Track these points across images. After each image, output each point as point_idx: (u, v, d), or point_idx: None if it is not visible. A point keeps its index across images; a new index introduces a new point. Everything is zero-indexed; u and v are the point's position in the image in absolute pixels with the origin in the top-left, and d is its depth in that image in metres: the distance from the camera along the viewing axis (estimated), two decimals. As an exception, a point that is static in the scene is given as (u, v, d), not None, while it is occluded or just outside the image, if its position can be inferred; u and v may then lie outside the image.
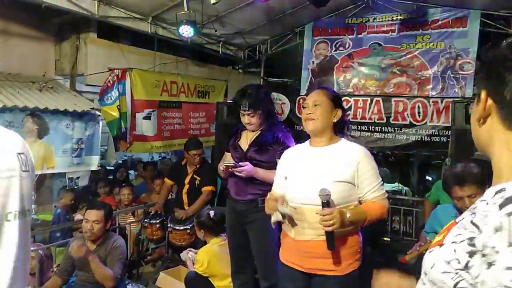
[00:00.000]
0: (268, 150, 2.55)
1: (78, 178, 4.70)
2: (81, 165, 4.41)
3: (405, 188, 6.42)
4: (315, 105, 1.97)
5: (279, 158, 2.46)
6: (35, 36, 4.75)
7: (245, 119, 2.57)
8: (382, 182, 1.96)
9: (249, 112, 2.53)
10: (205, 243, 3.26)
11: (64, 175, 4.87)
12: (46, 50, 4.93)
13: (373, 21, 5.84)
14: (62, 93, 4.64)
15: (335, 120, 1.99)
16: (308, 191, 1.87)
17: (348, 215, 1.77)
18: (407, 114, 5.42)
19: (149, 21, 4.97)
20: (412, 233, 5.20)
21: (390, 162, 7.32)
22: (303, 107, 2.06)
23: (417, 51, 5.59)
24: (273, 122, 2.64)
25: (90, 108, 4.46)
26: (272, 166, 2.53)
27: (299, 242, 1.92)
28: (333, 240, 1.77)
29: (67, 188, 4.91)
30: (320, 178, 1.87)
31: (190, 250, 3.51)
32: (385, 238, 5.45)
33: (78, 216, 4.20)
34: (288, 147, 2.49)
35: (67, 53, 4.93)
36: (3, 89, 4.00)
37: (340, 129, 2.04)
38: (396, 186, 6.45)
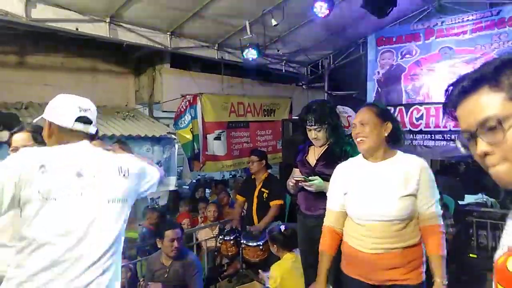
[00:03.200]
0: (336, 164, 2.55)
1: (158, 198, 5.07)
2: (161, 185, 4.77)
3: (491, 199, 5.88)
4: (362, 124, 1.96)
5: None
6: (117, 71, 5.32)
7: (311, 135, 2.61)
8: (438, 199, 1.93)
9: (315, 127, 2.56)
10: (279, 258, 3.30)
11: (146, 195, 5.28)
12: (127, 82, 5.48)
13: (441, 25, 5.57)
14: (142, 120, 5.10)
15: (386, 134, 1.95)
16: (374, 208, 1.87)
17: (443, 284, 1.79)
18: (487, 119, 5.03)
19: (215, 48, 5.30)
20: (502, 249, 4.72)
21: (471, 172, 6.78)
22: (352, 128, 2.04)
23: (494, 51, 5.20)
24: (339, 136, 2.64)
25: (167, 133, 4.84)
26: (341, 180, 2.54)
27: (370, 255, 1.90)
28: None
29: (149, 207, 5.32)
30: (385, 194, 1.86)
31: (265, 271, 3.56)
32: (470, 255, 5.03)
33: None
34: (356, 160, 2.49)
35: (145, 84, 5.44)
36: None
37: (394, 141, 1.99)
38: (480, 197, 5.94)
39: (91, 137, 1.57)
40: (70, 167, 1.41)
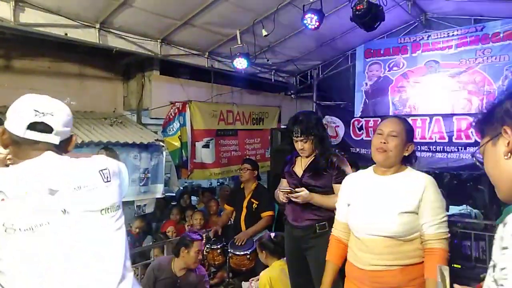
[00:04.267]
0: (323, 175, 2.58)
1: (145, 205, 5.03)
2: (148, 193, 4.75)
3: (475, 210, 5.99)
4: (392, 136, 1.87)
5: (335, 183, 2.50)
6: (105, 76, 5.28)
7: (298, 146, 2.64)
8: (445, 219, 1.83)
9: (302, 138, 2.60)
10: (266, 267, 3.30)
11: (133, 203, 5.24)
12: (115, 88, 5.44)
13: (427, 39, 5.70)
14: (130, 127, 5.06)
15: (406, 154, 1.91)
16: (372, 222, 1.84)
17: None
18: (472, 132, 5.14)
19: (205, 56, 5.31)
20: (485, 259, 4.82)
21: (456, 183, 6.90)
22: (377, 134, 1.93)
23: (478, 66, 5.33)
24: (326, 147, 2.68)
25: (155, 140, 4.81)
26: (328, 191, 2.56)
27: (369, 272, 1.84)
28: None
29: (135, 215, 5.26)
30: (384, 209, 1.82)
31: (252, 280, 3.56)
32: (454, 265, 5.09)
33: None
34: (343, 171, 2.52)
35: (133, 90, 5.40)
36: (80, 126, 4.47)
37: (408, 160, 1.96)
38: (464, 208, 6.04)
39: (61, 147, 1.26)
40: (38, 185, 1.14)
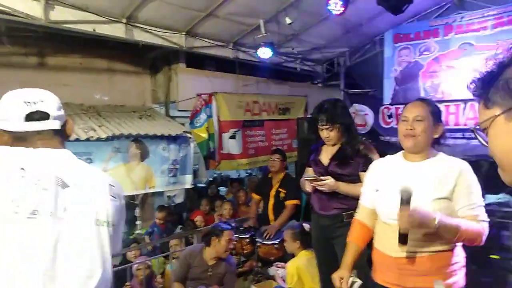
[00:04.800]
0: (349, 164, 2.53)
1: (174, 196, 5.14)
2: (177, 184, 4.85)
3: (514, 199, 5.72)
4: (417, 121, 1.78)
5: (362, 171, 2.44)
6: (134, 71, 5.40)
7: (323, 134, 2.59)
8: (483, 205, 1.74)
9: (327, 126, 2.55)
10: (293, 256, 3.30)
11: (162, 193, 5.36)
12: (143, 82, 5.56)
13: (461, 20, 5.44)
14: (158, 119, 5.16)
15: (436, 136, 1.82)
16: None
17: (436, 221, 1.60)
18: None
19: (230, 47, 5.31)
20: (525, 250, 4.61)
21: (493, 170, 6.60)
22: (402, 121, 1.85)
23: (517, 47, 5.04)
24: (352, 135, 2.62)
25: (183, 132, 4.89)
26: (355, 179, 2.51)
27: (397, 259, 1.78)
28: (406, 238, 1.63)
29: (164, 205, 5.39)
30: (417, 195, 1.68)
31: (277, 266, 3.57)
32: (492, 256, 4.91)
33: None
34: (370, 159, 2.45)
35: (161, 83, 5.50)
36: (111, 119, 4.60)
37: (438, 143, 1.86)
38: (502, 197, 5.79)
39: (62, 132, 1.21)
40: (50, 176, 1.08)
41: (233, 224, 3.59)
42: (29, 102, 1.14)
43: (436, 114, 1.82)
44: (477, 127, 0.79)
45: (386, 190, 1.85)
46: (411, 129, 1.78)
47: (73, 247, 1.07)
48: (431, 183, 1.75)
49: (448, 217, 1.65)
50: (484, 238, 1.67)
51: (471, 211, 1.71)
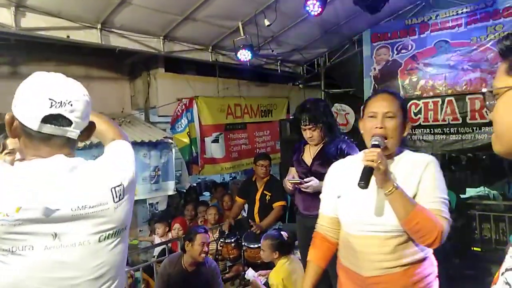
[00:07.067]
0: (332, 163, 2.53)
1: (157, 203, 5.05)
2: (159, 190, 4.76)
3: (493, 192, 5.86)
4: (388, 117, 1.55)
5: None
6: (112, 77, 5.29)
7: (306, 134, 2.60)
8: (446, 202, 1.55)
9: (310, 126, 2.55)
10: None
11: (145, 201, 5.26)
12: (122, 88, 5.45)
13: (435, 18, 5.55)
14: (138, 125, 5.07)
15: (405, 135, 1.62)
16: (368, 216, 1.57)
17: (395, 182, 1.46)
18: (486, 111, 4.99)
19: (209, 50, 5.27)
20: (506, 242, 4.71)
21: (472, 164, 6.75)
22: (369, 116, 1.60)
23: (490, 43, 5.17)
24: (335, 134, 2.63)
25: (163, 137, 4.81)
26: (338, 178, 2.51)
27: (368, 279, 1.56)
28: (368, 176, 1.44)
29: (149, 213, 5.29)
30: (380, 199, 1.54)
31: (260, 275, 3.52)
32: (474, 248, 5.00)
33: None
34: (353, 158, 2.45)
35: (140, 89, 5.41)
36: (89, 127, 4.48)
37: (403, 142, 1.66)
38: (481, 190, 5.92)
39: (75, 140, 1.08)
40: (36, 201, 0.95)
41: (207, 227, 3.55)
42: (54, 101, 0.99)
43: (405, 109, 1.64)
44: (490, 89, 0.74)
45: (349, 196, 1.64)
46: (381, 128, 1.55)
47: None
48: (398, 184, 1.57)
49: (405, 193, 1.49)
50: (440, 236, 1.46)
51: (433, 205, 1.51)
